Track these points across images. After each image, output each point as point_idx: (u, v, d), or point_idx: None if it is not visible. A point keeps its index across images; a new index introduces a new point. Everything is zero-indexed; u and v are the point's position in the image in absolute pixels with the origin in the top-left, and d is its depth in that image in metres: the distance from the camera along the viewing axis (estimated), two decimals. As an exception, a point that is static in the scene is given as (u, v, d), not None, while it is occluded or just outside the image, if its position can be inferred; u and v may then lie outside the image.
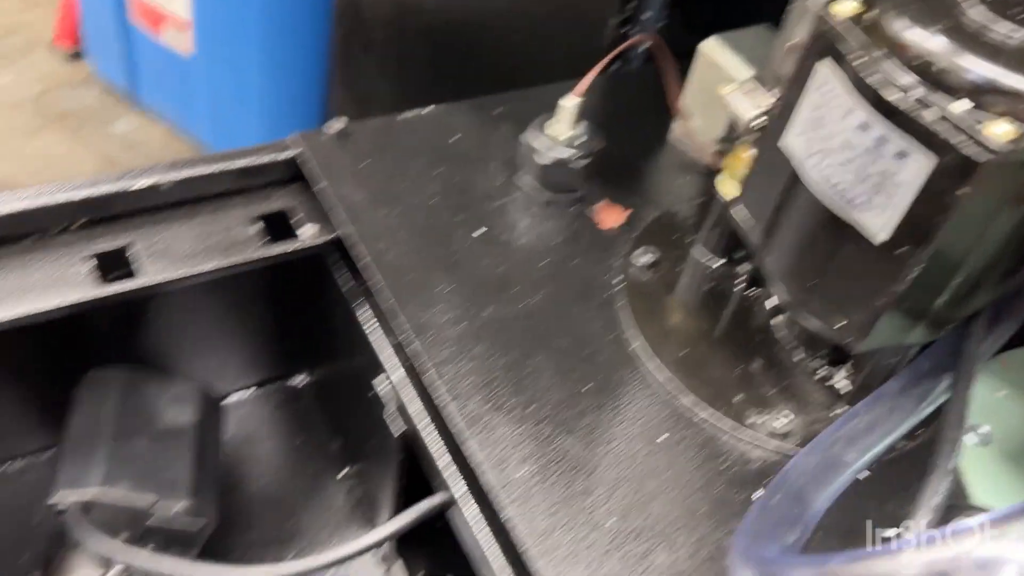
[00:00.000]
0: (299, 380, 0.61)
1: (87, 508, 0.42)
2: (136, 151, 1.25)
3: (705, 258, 0.43)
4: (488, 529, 0.36)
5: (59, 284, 0.41)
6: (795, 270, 0.35)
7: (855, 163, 0.30)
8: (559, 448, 0.36)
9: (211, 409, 0.51)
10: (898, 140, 0.29)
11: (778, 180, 0.34)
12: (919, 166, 0.28)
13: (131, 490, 0.43)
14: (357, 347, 0.46)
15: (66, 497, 0.42)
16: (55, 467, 0.43)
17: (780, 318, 0.41)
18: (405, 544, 0.54)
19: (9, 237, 0.41)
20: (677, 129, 0.51)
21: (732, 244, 0.43)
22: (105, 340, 0.51)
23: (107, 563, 0.44)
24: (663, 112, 0.51)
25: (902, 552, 0.22)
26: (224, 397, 0.58)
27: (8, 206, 0.41)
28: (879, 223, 0.30)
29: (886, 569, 0.22)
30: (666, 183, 0.49)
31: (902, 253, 0.30)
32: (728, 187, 0.40)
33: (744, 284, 0.43)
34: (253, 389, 0.60)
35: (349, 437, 0.57)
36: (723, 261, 0.43)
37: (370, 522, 0.55)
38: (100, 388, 0.47)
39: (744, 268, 0.43)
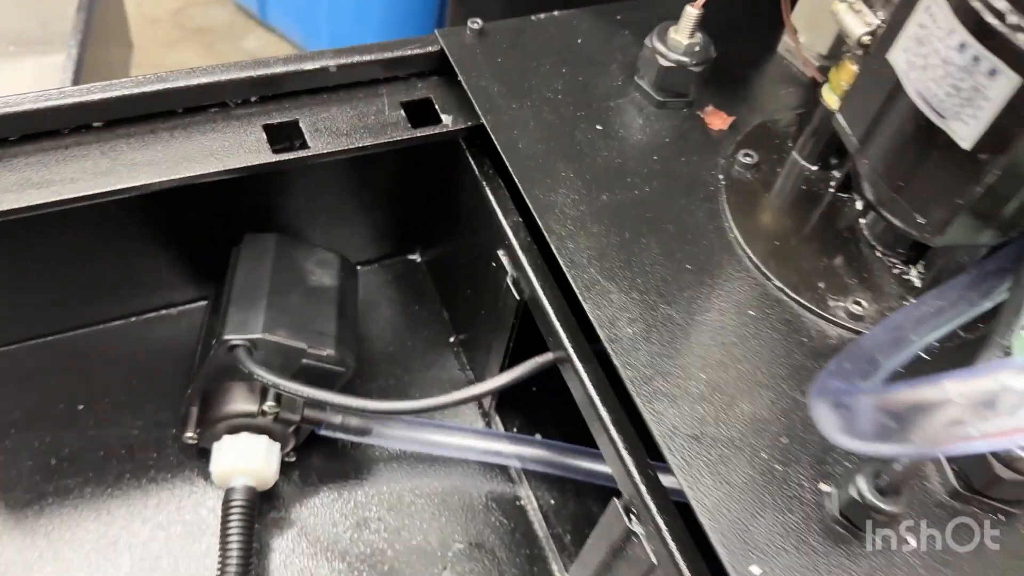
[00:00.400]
0: (417, 256, 0.68)
1: (253, 347, 0.50)
2: (265, 66, 1.34)
3: (802, 162, 0.48)
4: (595, 382, 0.43)
5: (236, 150, 0.48)
6: (887, 172, 0.39)
7: (951, 78, 0.35)
8: (662, 314, 0.42)
9: (350, 274, 0.58)
10: (990, 60, 0.33)
11: (880, 91, 0.39)
12: (1006, 84, 0.33)
13: (287, 337, 0.51)
14: (482, 225, 0.52)
15: (236, 337, 0.50)
16: (224, 313, 0.51)
17: (865, 219, 0.46)
18: (503, 405, 0.61)
19: (195, 107, 0.48)
20: (786, 43, 0.55)
21: (828, 151, 0.48)
22: (256, 210, 0.59)
23: (261, 395, 0.52)
24: (774, 27, 0.55)
25: (945, 382, 0.27)
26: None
27: (197, 79, 0.47)
28: (966, 132, 0.35)
29: (932, 395, 0.27)
30: (771, 93, 0.53)
31: (982, 160, 0.35)
32: (830, 98, 0.45)
33: (835, 188, 0.47)
34: (377, 263, 0.68)
35: (460, 309, 0.64)
36: (818, 167, 0.48)
37: (472, 382, 0.63)
38: (257, 249, 0.55)
39: (836, 173, 0.47)
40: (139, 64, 1.07)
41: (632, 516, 0.41)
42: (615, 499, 0.42)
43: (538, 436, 0.58)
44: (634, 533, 0.41)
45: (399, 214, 0.64)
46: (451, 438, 0.57)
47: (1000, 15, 0.32)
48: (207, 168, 0.46)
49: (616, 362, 0.40)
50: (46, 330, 0.59)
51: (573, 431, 0.51)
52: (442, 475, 0.58)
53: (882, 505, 0.35)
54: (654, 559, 0.40)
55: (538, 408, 0.61)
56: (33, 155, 0.45)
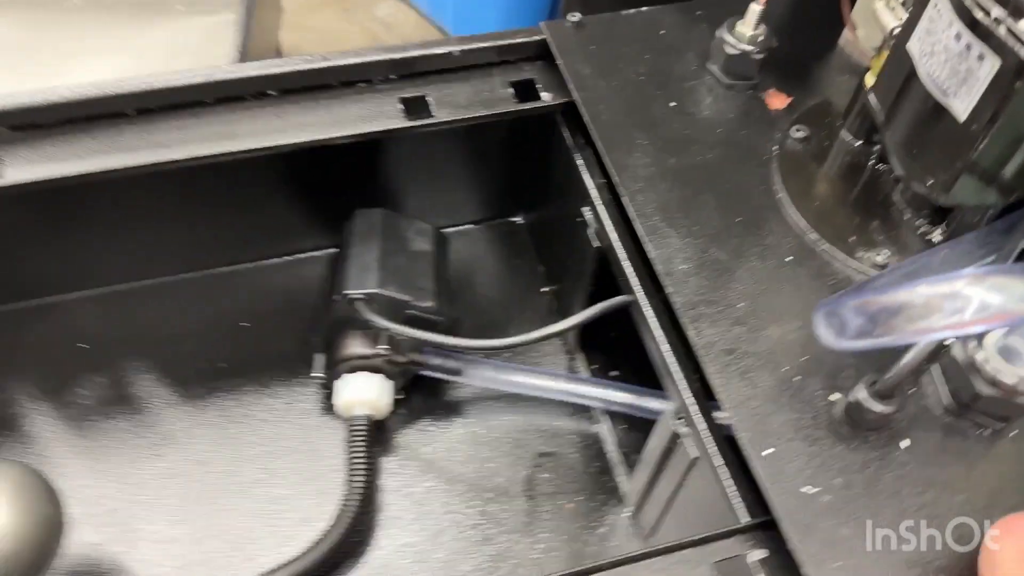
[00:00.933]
0: (519, 219, 0.79)
1: (369, 299, 0.62)
2: (393, 32, 1.50)
3: (848, 138, 0.56)
4: (654, 315, 0.52)
5: (378, 117, 0.59)
6: (904, 142, 0.47)
7: (950, 63, 0.42)
8: (711, 256, 0.51)
9: (443, 241, 0.69)
10: (979, 47, 0.41)
11: (900, 74, 0.47)
12: (990, 66, 0.40)
13: (395, 291, 0.62)
14: (571, 187, 0.62)
15: (355, 292, 0.61)
16: (344, 273, 0.62)
17: (898, 186, 0.53)
18: (585, 346, 0.71)
19: (348, 82, 0.60)
20: (846, 37, 0.62)
21: (871, 128, 0.55)
22: (385, 173, 0.70)
23: (375, 340, 0.63)
24: (837, 23, 0.63)
25: (917, 287, 0.35)
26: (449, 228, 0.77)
27: (350, 60, 0.60)
28: (962, 107, 0.43)
29: (905, 297, 0.35)
30: (828, 80, 0.61)
31: (975, 129, 0.42)
32: (870, 81, 0.53)
33: (875, 160, 0.55)
34: (484, 224, 0.79)
35: (552, 262, 0.74)
36: (861, 142, 0.56)
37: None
38: (367, 221, 0.66)
39: (877, 148, 0.55)
40: (287, 25, 1.20)
41: (679, 421, 0.50)
42: (666, 409, 0.52)
43: (616, 374, 0.68)
44: (679, 435, 0.50)
45: (504, 182, 0.75)
46: (535, 379, 0.67)
47: (986, 11, 0.40)
48: (357, 130, 0.58)
49: (669, 290, 0.49)
50: (214, 263, 0.72)
51: (646, 374, 0.61)
52: (527, 412, 0.68)
53: (878, 407, 0.43)
54: (695, 453, 0.49)
55: (616, 353, 0.71)
56: (224, 115, 0.58)
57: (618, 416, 0.68)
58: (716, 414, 0.48)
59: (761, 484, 0.43)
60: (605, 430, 0.67)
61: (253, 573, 0.55)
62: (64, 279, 0.69)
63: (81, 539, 0.58)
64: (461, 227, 0.77)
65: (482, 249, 0.78)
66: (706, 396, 0.48)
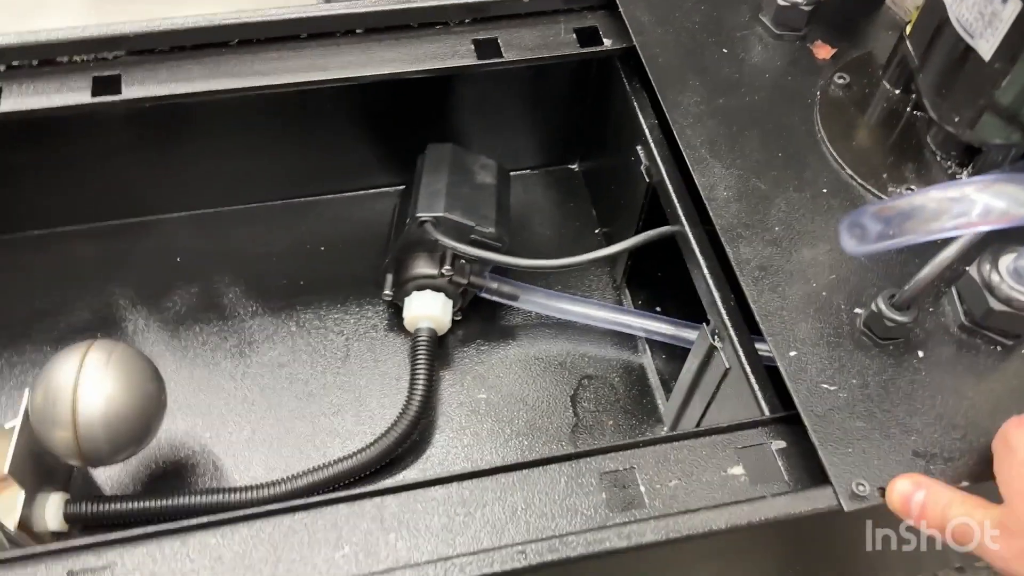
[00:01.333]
0: (575, 166, 0.85)
1: (436, 222, 0.68)
2: None
3: (888, 86, 0.60)
4: (698, 241, 0.57)
5: (452, 55, 0.65)
6: (935, 83, 0.52)
7: (977, 6, 0.47)
8: (752, 185, 0.56)
9: (505, 176, 0.75)
10: (1004, -11, 0.45)
11: (933, 21, 0.51)
12: (1013, 8, 0.44)
13: (461, 216, 0.68)
14: (626, 127, 0.68)
15: (425, 215, 0.67)
16: (415, 199, 0.68)
17: (931, 131, 0.58)
18: (631, 283, 0.76)
19: (427, 23, 0.66)
20: (892, -6, 0.66)
21: (908, 78, 0.59)
22: (455, 113, 0.76)
23: (440, 262, 0.69)
24: (883, -20, 0.67)
25: (929, 192, 0.40)
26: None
27: (429, 3, 0.65)
28: (986, 48, 0.47)
29: (919, 201, 0.40)
30: (872, 35, 0.65)
31: (999, 67, 0.46)
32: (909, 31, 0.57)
33: (911, 108, 0.59)
34: (543, 169, 0.85)
35: (604, 204, 0.80)
36: (899, 90, 0.60)
37: (613, 264, 0.78)
38: (438, 154, 0.72)
39: (914, 97, 0.59)
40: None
41: (715, 336, 0.55)
42: (704, 324, 0.57)
43: (658, 310, 0.74)
44: (715, 347, 0.55)
45: (564, 129, 0.80)
46: (584, 307, 0.72)
47: (1011, -44, 0.44)
48: (434, 65, 0.64)
49: (711, 214, 0.54)
50: (298, 193, 0.79)
51: (686, 311, 0.66)
52: (575, 340, 0.74)
53: (895, 316, 0.48)
54: (728, 364, 0.54)
55: (659, 291, 0.76)
56: (315, 49, 0.64)
57: (658, 347, 0.73)
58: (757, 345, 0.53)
59: (786, 379, 0.48)
60: (647, 360, 0.73)
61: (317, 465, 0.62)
62: (165, 201, 0.76)
63: (169, 426, 0.66)
64: (521, 172, 0.83)
65: (539, 193, 0.84)
66: (742, 316, 0.53)
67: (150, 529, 0.43)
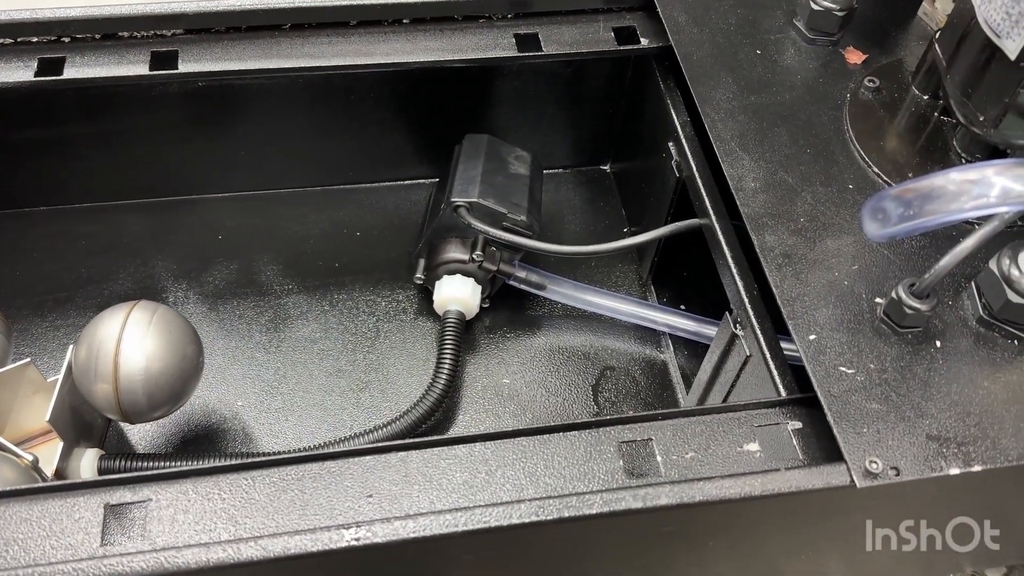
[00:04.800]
0: (607, 167, 0.87)
1: (470, 207, 0.70)
2: None
3: (917, 92, 0.62)
4: (724, 232, 0.59)
5: (494, 47, 0.68)
6: (961, 83, 0.53)
7: (1005, 7, 0.48)
8: (779, 178, 0.57)
9: (538, 168, 0.77)
10: (1031, -10, 0.46)
11: (962, 23, 0.52)
12: (1040, 6, 0.46)
13: (494, 203, 0.70)
14: (658, 125, 0.69)
15: (459, 200, 0.69)
16: (450, 185, 0.70)
17: (957, 133, 0.59)
18: (657, 281, 0.78)
19: (471, 16, 0.69)
20: (925, 8, 0.68)
21: (937, 85, 0.61)
22: (493, 106, 0.79)
23: (471, 248, 0.71)
24: (918, -5, 0.68)
25: (949, 174, 0.41)
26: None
27: (469, -2, 0.68)
28: (1013, 47, 0.48)
29: (940, 182, 0.41)
30: (903, 43, 0.67)
31: (1023, 67, 0.48)
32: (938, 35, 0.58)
33: (938, 113, 0.61)
34: (575, 168, 0.87)
35: (634, 203, 0.81)
36: (928, 96, 0.61)
37: (640, 260, 0.80)
38: (474, 143, 0.74)
39: (940, 103, 0.61)
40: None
41: (737, 324, 0.57)
42: (727, 313, 0.58)
43: (683, 308, 0.75)
44: (737, 336, 0.57)
45: (598, 128, 0.83)
46: (609, 301, 0.74)
47: (1039, -42, 0.46)
48: (475, 55, 0.66)
49: (738, 203, 0.56)
50: (338, 180, 0.82)
51: (712, 310, 0.67)
52: (600, 333, 0.76)
53: (915, 304, 0.49)
54: (748, 352, 0.55)
55: (684, 289, 0.77)
56: (363, 35, 0.67)
57: (681, 344, 0.74)
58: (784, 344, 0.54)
59: (804, 360, 0.49)
60: (669, 356, 0.74)
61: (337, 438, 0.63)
62: (211, 181, 0.79)
63: (203, 392, 0.68)
64: (554, 170, 0.85)
65: (571, 191, 0.86)
66: (765, 308, 0.55)
67: (185, 467, 0.45)
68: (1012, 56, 0.48)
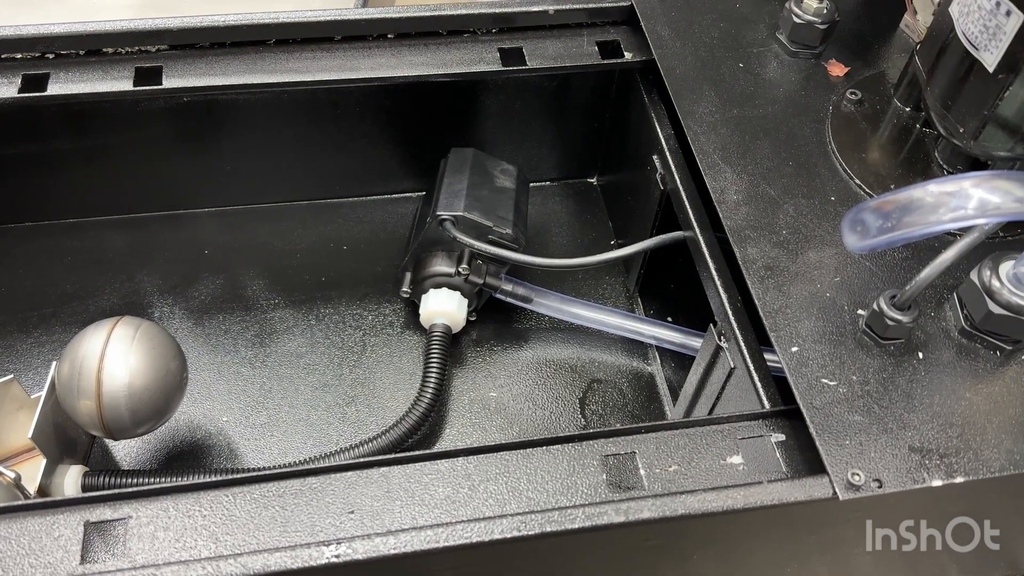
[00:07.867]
0: (594, 180, 0.87)
1: (456, 221, 0.70)
2: None
3: (898, 104, 0.62)
4: (707, 244, 0.59)
5: (478, 61, 0.68)
6: (942, 95, 0.53)
7: (983, 20, 0.49)
8: (761, 191, 0.58)
9: (524, 182, 0.77)
10: (1006, 4, 0.47)
11: (941, 36, 0.53)
12: (1016, 20, 0.46)
13: (479, 217, 0.70)
14: (643, 138, 0.70)
15: (445, 213, 0.69)
16: (436, 198, 0.70)
17: (938, 145, 0.59)
18: (644, 293, 0.78)
19: (455, 31, 0.69)
20: (906, 20, 0.68)
21: (919, 97, 0.61)
22: (477, 120, 0.79)
23: (457, 261, 0.71)
24: (899, 6, 0.69)
25: (927, 186, 0.41)
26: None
27: (458, 11, 0.68)
28: (991, 59, 0.49)
29: (918, 194, 0.41)
30: (885, 56, 0.67)
31: (1001, 79, 0.48)
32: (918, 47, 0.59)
33: (920, 125, 0.61)
34: (561, 181, 0.87)
35: (620, 216, 0.81)
36: (909, 108, 0.62)
37: (627, 273, 0.80)
38: (460, 157, 0.74)
39: (923, 115, 0.61)
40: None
41: (721, 336, 0.57)
42: (711, 325, 0.58)
43: (669, 320, 0.75)
44: (721, 347, 0.57)
45: (583, 142, 0.83)
46: (596, 313, 0.74)
47: (1015, -29, 0.46)
48: (459, 69, 0.67)
49: (720, 216, 0.56)
50: (323, 195, 0.82)
51: (698, 322, 0.67)
52: (587, 346, 0.75)
53: (896, 315, 0.49)
54: (733, 364, 0.55)
55: (671, 301, 0.77)
56: (348, 51, 0.67)
57: (668, 357, 0.74)
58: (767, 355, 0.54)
59: (786, 372, 0.49)
60: (656, 368, 0.74)
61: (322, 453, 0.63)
62: (196, 196, 0.79)
63: (188, 407, 0.68)
64: (540, 183, 0.85)
65: (558, 204, 0.86)
66: (749, 320, 0.55)
67: (165, 484, 0.45)
68: (990, 68, 0.49)
